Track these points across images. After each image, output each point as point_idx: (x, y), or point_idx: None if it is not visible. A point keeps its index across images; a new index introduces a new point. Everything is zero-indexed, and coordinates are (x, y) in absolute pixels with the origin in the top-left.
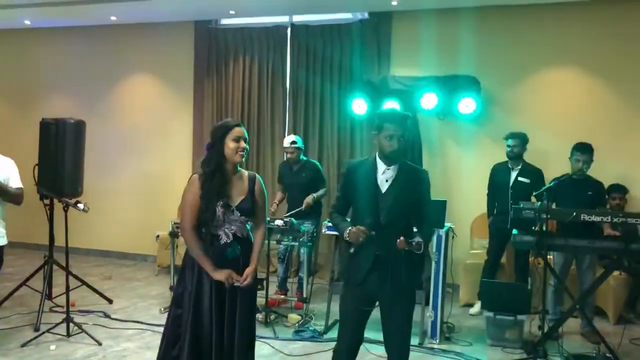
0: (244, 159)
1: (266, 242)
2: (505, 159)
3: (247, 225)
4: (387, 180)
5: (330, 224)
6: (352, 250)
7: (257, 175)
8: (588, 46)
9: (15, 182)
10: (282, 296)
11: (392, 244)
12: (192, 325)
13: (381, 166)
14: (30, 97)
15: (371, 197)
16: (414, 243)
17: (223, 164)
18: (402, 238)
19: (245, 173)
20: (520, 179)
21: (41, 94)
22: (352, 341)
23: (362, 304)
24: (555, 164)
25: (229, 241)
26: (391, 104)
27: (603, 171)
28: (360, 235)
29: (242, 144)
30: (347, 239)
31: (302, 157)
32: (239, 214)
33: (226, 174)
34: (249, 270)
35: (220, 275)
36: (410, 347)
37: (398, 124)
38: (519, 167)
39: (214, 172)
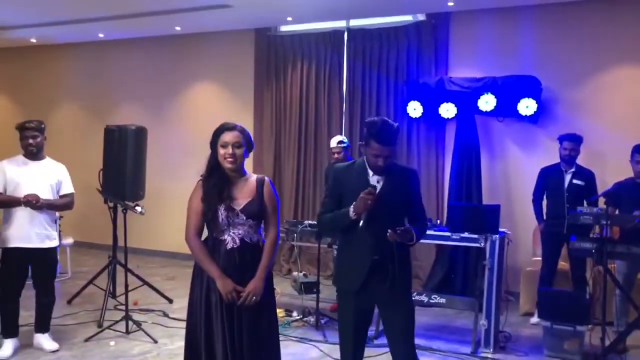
0: (235, 165)
1: (316, 246)
2: (554, 161)
3: (259, 231)
4: (378, 182)
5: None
6: (361, 223)
7: (266, 178)
8: None
9: (66, 187)
10: None
11: (388, 245)
12: (206, 336)
13: (371, 171)
14: (103, 105)
15: None
16: (399, 231)
17: (220, 168)
18: (390, 231)
19: (254, 176)
20: (575, 181)
21: (113, 102)
22: (355, 353)
23: (360, 310)
24: (619, 167)
25: (236, 246)
26: (447, 107)
27: None
28: (367, 199)
29: (229, 150)
30: (354, 212)
31: (349, 158)
32: (244, 218)
33: (225, 177)
34: (251, 287)
35: (224, 286)
36: (462, 355)
37: (385, 144)
38: (573, 169)
39: (211, 174)
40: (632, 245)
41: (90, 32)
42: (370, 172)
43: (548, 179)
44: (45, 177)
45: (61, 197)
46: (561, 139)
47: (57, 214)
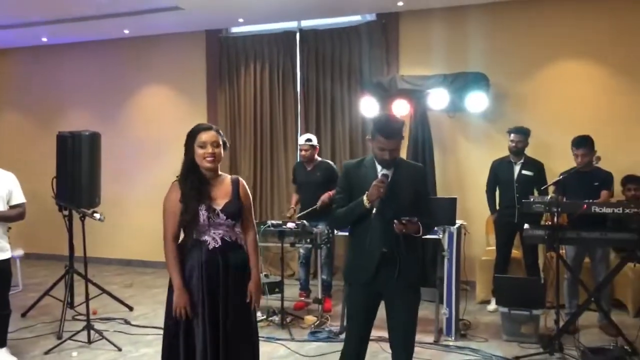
0: (214, 165)
1: (277, 246)
2: (504, 154)
3: (236, 229)
4: (387, 178)
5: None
6: (374, 211)
7: (239, 178)
8: (599, 38)
9: (17, 197)
10: (304, 298)
11: (396, 238)
12: (184, 338)
13: (379, 166)
14: (49, 111)
15: None
16: (404, 221)
17: (197, 169)
18: (395, 221)
19: (228, 177)
20: (524, 172)
21: (60, 107)
22: (361, 341)
23: (369, 302)
24: (565, 158)
25: (217, 246)
26: (400, 104)
27: (618, 163)
28: (379, 186)
29: (209, 150)
30: (368, 200)
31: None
32: (224, 217)
33: (202, 177)
34: (254, 290)
35: (180, 299)
36: (425, 344)
37: (391, 138)
38: (522, 160)
39: (187, 175)
40: (581, 231)
41: (33, 36)
42: (379, 169)
43: (498, 170)
44: None
45: (11, 207)
46: (509, 132)
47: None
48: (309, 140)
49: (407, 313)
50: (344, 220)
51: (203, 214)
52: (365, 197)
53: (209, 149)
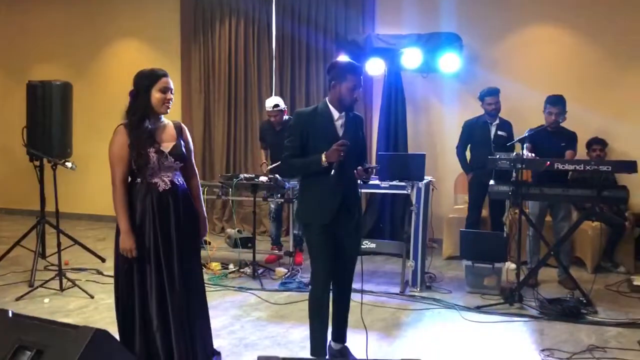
0: (168, 110)
1: (250, 200)
2: (477, 114)
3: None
4: (341, 126)
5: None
6: (332, 172)
7: (181, 123)
8: (571, 3)
9: None
10: (277, 251)
11: (352, 183)
12: (139, 280)
13: (335, 113)
14: (19, 63)
15: (333, 142)
16: (369, 169)
17: (149, 113)
18: (359, 167)
19: (170, 122)
20: (499, 132)
21: (29, 59)
22: (328, 277)
23: (329, 240)
24: (535, 120)
25: (167, 188)
26: (375, 63)
27: (584, 125)
28: (339, 150)
29: (169, 95)
30: (326, 161)
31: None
32: (172, 160)
33: (153, 122)
34: (204, 229)
35: (126, 242)
36: (392, 295)
37: (359, 75)
38: (497, 121)
39: (140, 120)
40: (544, 187)
41: None
42: (335, 115)
43: (473, 131)
44: None
45: None
46: (483, 95)
47: None
48: (276, 106)
49: (357, 247)
50: (299, 172)
51: (153, 156)
52: (323, 157)
53: (169, 95)
